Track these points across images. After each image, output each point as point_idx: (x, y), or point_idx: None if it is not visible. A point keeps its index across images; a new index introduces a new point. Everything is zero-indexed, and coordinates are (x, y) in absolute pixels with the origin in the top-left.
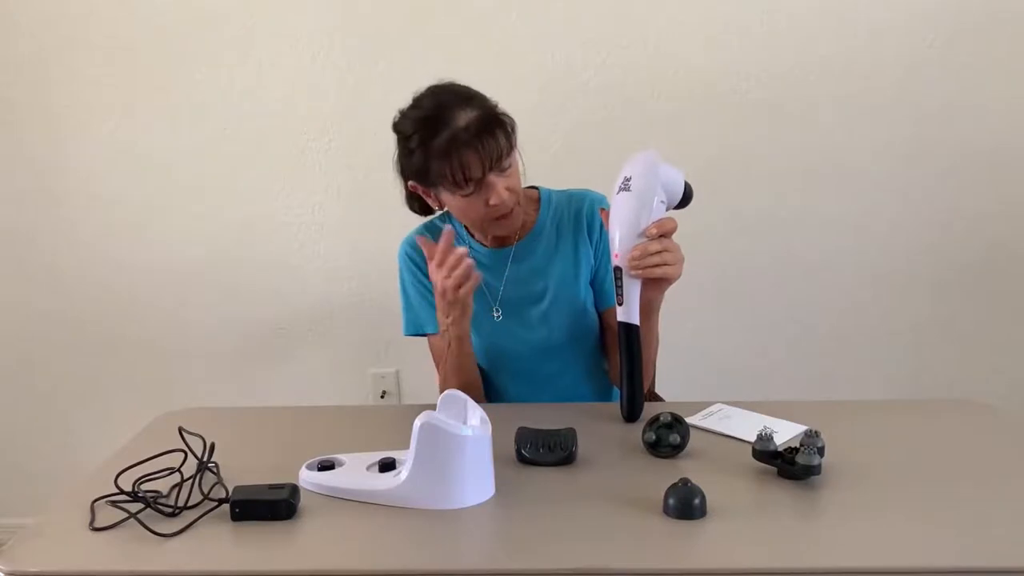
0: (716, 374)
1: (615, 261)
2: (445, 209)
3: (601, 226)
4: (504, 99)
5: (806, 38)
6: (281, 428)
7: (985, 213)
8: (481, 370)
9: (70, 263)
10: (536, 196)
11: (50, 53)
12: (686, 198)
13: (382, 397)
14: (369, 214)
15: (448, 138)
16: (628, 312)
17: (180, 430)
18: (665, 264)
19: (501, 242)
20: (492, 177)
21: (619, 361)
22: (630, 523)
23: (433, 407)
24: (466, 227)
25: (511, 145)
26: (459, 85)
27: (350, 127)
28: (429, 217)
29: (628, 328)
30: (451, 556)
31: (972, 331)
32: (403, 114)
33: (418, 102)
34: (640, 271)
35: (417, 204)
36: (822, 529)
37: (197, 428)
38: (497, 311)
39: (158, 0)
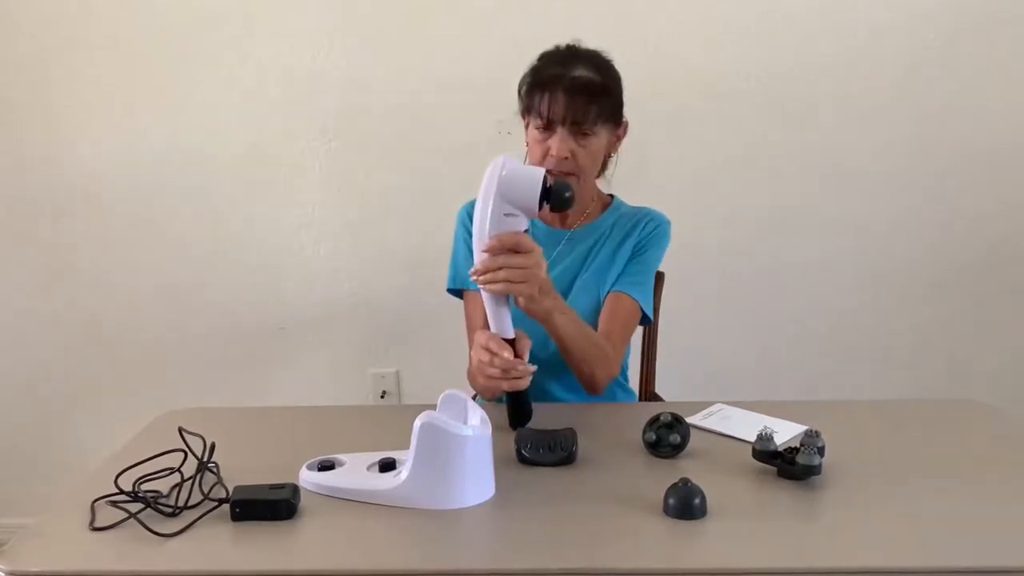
0: (716, 374)
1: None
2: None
3: (648, 237)
4: (505, 99)
5: (806, 38)
6: (281, 428)
7: (985, 213)
8: None
9: (70, 263)
10: (608, 201)
11: (50, 53)
12: (556, 197)
13: (382, 397)
14: (369, 214)
15: (556, 74)
16: (500, 328)
17: (180, 430)
18: (508, 281)
19: (561, 221)
20: (563, 131)
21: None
22: (630, 523)
23: (433, 407)
24: None
25: (599, 120)
26: (607, 59)
27: (350, 127)
28: None
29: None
30: (451, 556)
31: (972, 331)
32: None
33: (567, 46)
34: (482, 287)
35: None
36: (822, 529)
37: (197, 428)
38: None
39: (158, 0)
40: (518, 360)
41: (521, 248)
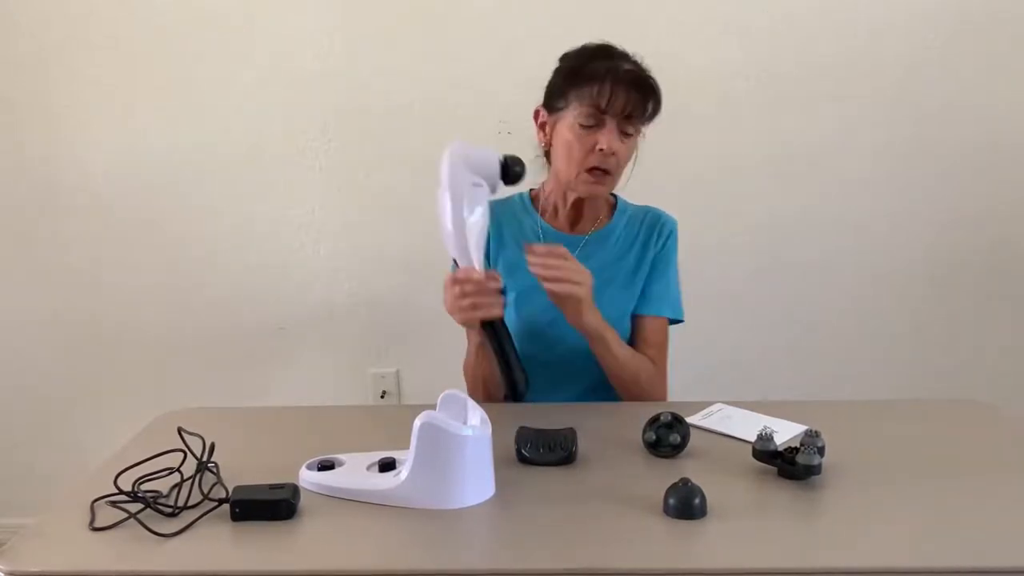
0: (716, 374)
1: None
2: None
3: (664, 244)
4: (505, 99)
5: (806, 38)
6: (281, 428)
7: (985, 213)
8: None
9: (70, 263)
10: (612, 202)
11: (50, 53)
12: (508, 172)
13: (382, 397)
14: (369, 214)
15: (609, 67)
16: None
17: (180, 430)
18: (570, 281)
19: (570, 227)
20: (613, 126)
21: (490, 355)
22: (630, 523)
23: (433, 407)
24: (541, 208)
25: (644, 118)
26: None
27: (350, 127)
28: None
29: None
30: (451, 556)
31: (973, 330)
32: (576, 48)
33: (596, 43)
34: (548, 285)
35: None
36: (822, 529)
37: (197, 428)
38: None
39: (158, 0)
40: (475, 273)
41: (567, 256)
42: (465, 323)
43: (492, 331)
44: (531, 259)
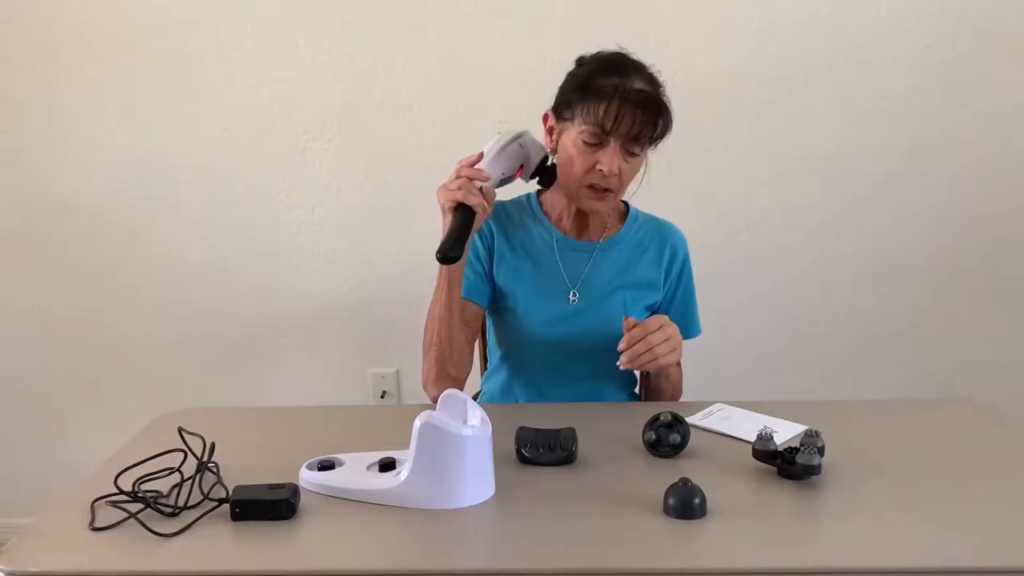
0: (716, 374)
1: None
2: (550, 161)
3: (681, 270)
4: (504, 99)
5: (806, 38)
6: (281, 428)
7: (985, 213)
8: (518, 359)
9: (70, 263)
10: (624, 210)
11: (50, 53)
12: (544, 170)
13: (382, 397)
14: (369, 214)
15: (618, 85)
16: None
17: (180, 430)
18: (670, 354)
19: (577, 234)
20: (616, 146)
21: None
22: (630, 523)
23: (433, 407)
24: (551, 214)
25: (651, 141)
26: (655, 72)
27: (350, 127)
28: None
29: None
30: (451, 556)
31: (973, 330)
32: (591, 55)
33: (610, 53)
34: (633, 366)
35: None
36: (822, 529)
37: (197, 428)
38: (575, 295)
39: (158, 0)
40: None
41: (651, 326)
42: (446, 200)
43: (461, 212)
44: (623, 359)
